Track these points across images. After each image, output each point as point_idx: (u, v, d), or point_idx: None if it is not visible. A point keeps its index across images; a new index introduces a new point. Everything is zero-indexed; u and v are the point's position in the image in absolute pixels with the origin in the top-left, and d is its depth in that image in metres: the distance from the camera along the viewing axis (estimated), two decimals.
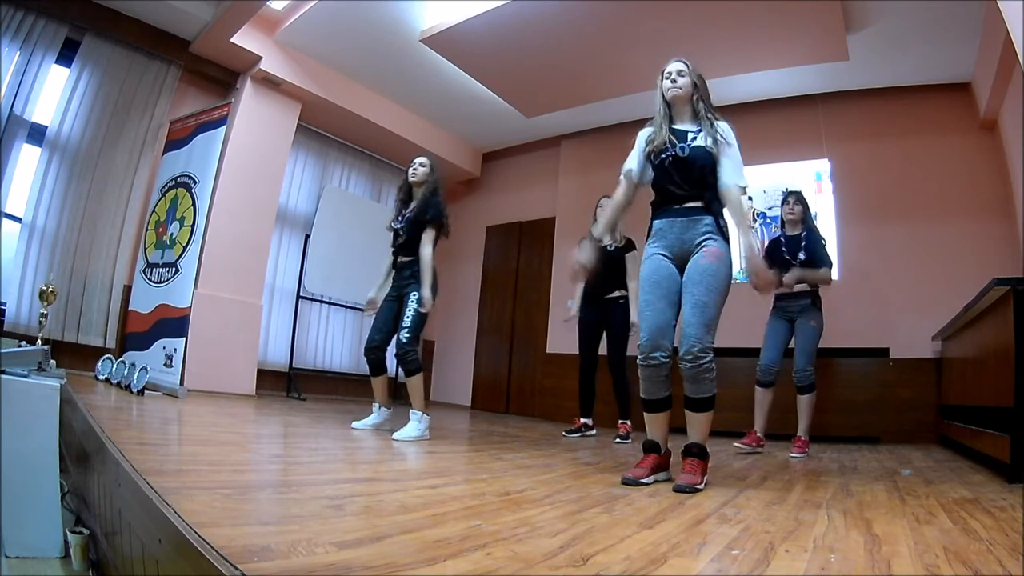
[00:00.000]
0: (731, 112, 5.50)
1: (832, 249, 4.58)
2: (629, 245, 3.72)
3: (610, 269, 3.65)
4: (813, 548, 1.12)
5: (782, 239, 3.38)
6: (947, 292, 3.68)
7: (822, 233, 3.51)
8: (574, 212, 5.92)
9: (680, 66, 2.06)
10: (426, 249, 2.90)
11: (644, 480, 1.86)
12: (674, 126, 2.03)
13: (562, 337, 5.63)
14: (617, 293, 3.72)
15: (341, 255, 5.47)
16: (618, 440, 3.52)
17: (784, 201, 3.43)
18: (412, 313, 2.86)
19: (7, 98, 3.73)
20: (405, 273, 2.96)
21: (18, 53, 3.80)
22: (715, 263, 1.87)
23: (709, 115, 2.01)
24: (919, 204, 4.34)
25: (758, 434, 3.25)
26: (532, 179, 6.46)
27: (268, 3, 4.20)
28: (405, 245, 2.97)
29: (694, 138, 1.97)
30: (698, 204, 1.95)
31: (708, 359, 1.81)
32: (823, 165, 4.76)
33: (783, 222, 3.43)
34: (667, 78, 2.05)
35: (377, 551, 0.92)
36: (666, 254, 1.97)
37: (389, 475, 1.84)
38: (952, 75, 4.24)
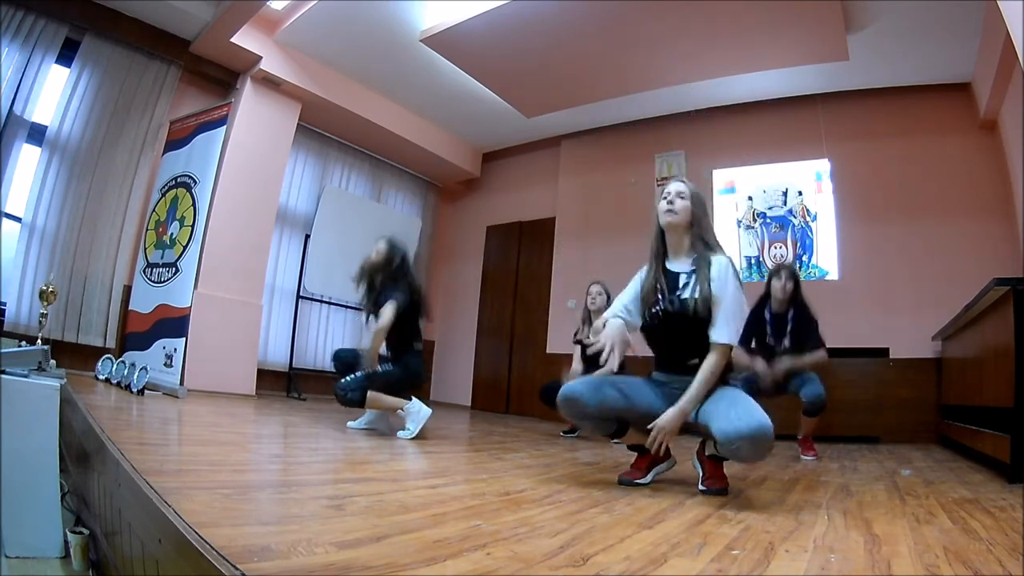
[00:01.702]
0: (731, 112, 5.54)
1: (832, 249, 4.61)
2: None
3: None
4: (813, 548, 1.12)
5: (767, 316, 3.12)
6: (947, 292, 3.69)
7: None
8: (574, 212, 5.94)
9: (680, 187, 1.84)
10: (376, 325, 2.84)
11: (640, 481, 1.85)
12: (668, 263, 1.85)
13: (562, 337, 5.63)
14: None
15: (341, 255, 5.45)
16: (616, 440, 3.50)
17: (775, 275, 3.12)
18: (383, 371, 2.84)
19: (7, 98, 3.73)
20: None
21: (18, 53, 3.80)
22: (727, 389, 1.76)
23: (706, 252, 1.79)
24: (919, 204, 4.34)
25: None
26: (532, 179, 6.47)
27: (268, 3, 4.20)
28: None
29: (685, 284, 1.78)
30: (693, 362, 1.76)
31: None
32: (823, 165, 4.76)
33: (769, 294, 3.13)
34: (664, 198, 1.83)
35: (377, 551, 0.92)
36: (660, 397, 1.81)
37: (389, 475, 1.84)
38: (952, 75, 4.24)
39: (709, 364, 1.73)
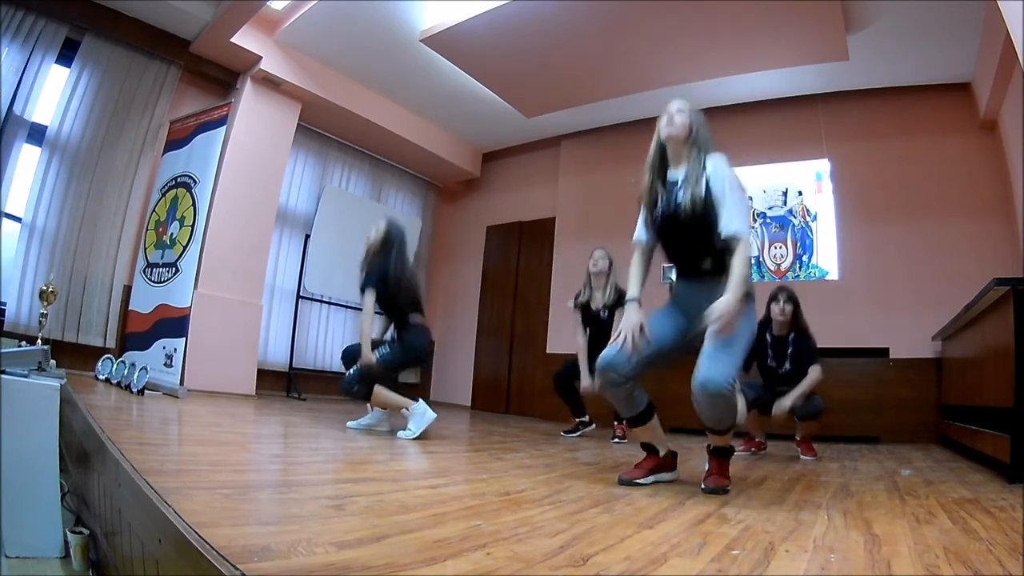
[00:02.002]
0: (731, 112, 5.54)
1: (832, 249, 4.61)
2: (620, 299, 3.55)
3: (603, 332, 3.55)
4: (813, 548, 1.12)
5: (768, 339, 3.09)
6: (947, 292, 3.69)
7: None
8: (574, 212, 5.93)
9: (680, 104, 1.89)
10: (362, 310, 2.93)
11: (640, 481, 1.85)
12: (669, 174, 1.88)
13: (562, 337, 5.63)
14: None
15: (341, 255, 5.45)
16: (616, 440, 3.52)
17: (774, 299, 3.06)
18: (380, 356, 2.87)
19: (7, 98, 3.73)
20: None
21: (18, 53, 3.80)
22: (736, 332, 1.70)
23: (701, 155, 1.81)
24: (919, 204, 4.34)
25: (757, 439, 3.24)
26: (532, 179, 6.46)
27: (268, 3, 4.20)
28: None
29: (680, 188, 1.80)
30: (709, 264, 1.78)
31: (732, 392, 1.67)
32: (823, 165, 4.77)
33: (770, 319, 3.08)
34: (664, 116, 1.89)
35: (377, 551, 0.92)
36: (682, 310, 1.85)
37: (389, 475, 1.84)
38: (952, 75, 4.24)
39: (737, 261, 1.69)
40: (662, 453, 1.94)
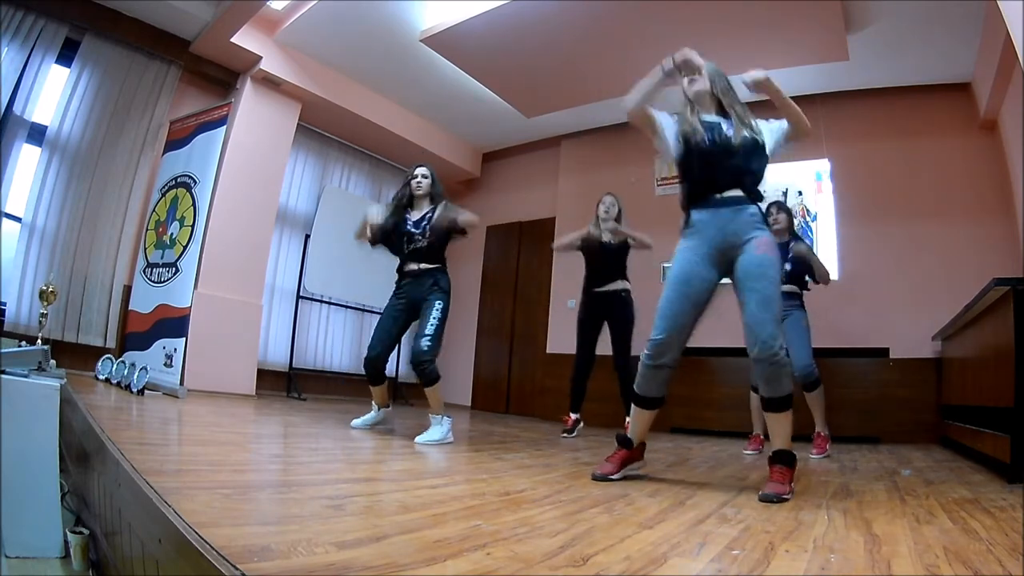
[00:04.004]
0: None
1: (832, 249, 4.60)
2: (626, 241, 3.68)
3: (609, 261, 3.66)
4: (813, 548, 1.12)
5: None
6: (947, 292, 3.68)
7: (810, 240, 3.48)
8: (574, 212, 5.92)
9: (699, 62, 1.98)
10: (469, 217, 2.94)
11: (613, 476, 1.87)
12: (703, 117, 1.92)
13: (562, 337, 5.63)
14: (618, 285, 3.66)
15: (341, 255, 5.46)
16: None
17: (767, 212, 3.33)
18: (437, 317, 2.74)
19: (7, 98, 3.73)
20: (427, 281, 2.84)
21: (18, 53, 3.79)
22: (771, 253, 1.78)
23: (737, 108, 1.91)
24: (919, 204, 4.34)
25: (761, 436, 3.25)
26: (532, 179, 6.46)
27: (268, 3, 4.20)
28: (426, 252, 2.86)
29: (728, 128, 1.87)
30: (739, 192, 1.83)
31: (785, 353, 1.71)
32: (823, 165, 4.76)
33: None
34: (685, 76, 1.97)
35: (377, 551, 0.92)
36: (706, 251, 1.84)
37: (389, 475, 1.84)
38: (952, 75, 4.24)
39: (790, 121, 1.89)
40: (635, 445, 1.96)
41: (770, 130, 1.91)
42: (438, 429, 2.68)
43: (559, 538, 1.09)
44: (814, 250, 3.34)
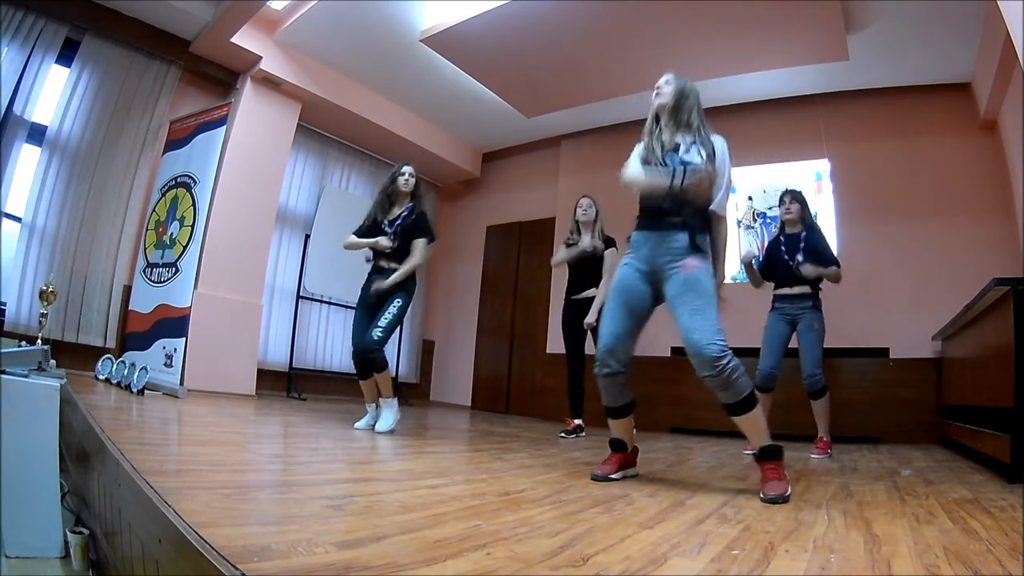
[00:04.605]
0: (731, 112, 5.54)
1: (832, 249, 4.59)
2: (608, 243, 3.73)
3: (588, 269, 3.70)
4: (813, 548, 1.12)
5: (781, 239, 3.32)
6: (947, 292, 3.68)
7: (823, 231, 3.46)
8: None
9: (667, 76, 2.03)
10: (418, 259, 3.05)
11: (613, 476, 1.90)
12: (663, 139, 1.97)
13: (562, 337, 5.62)
14: (594, 292, 3.69)
15: (341, 255, 5.42)
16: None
17: (780, 201, 3.37)
18: (392, 312, 2.93)
19: (7, 98, 3.73)
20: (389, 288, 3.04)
21: (18, 53, 3.79)
22: (694, 271, 1.81)
23: (701, 128, 1.95)
24: (919, 204, 4.34)
25: None
26: (532, 179, 6.46)
27: (268, 3, 4.20)
28: (396, 252, 3.05)
29: (686, 151, 1.90)
30: (676, 219, 1.86)
31: (727, 359, 1.69)
32: (823, 165, 4.76)
33: (782, 223, 3.37)
34: (655, 89, 2.03)
35: (377, 551, 0.92)
36: (640, 267, 1.91)
37: (389, 475, 1.84)
38: (952, 75, 4.24)
39: (722, 233, 1.92)
40: (629, 449, 1.99)
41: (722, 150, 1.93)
42: (392, 412, 2.90)
43: (559, 538, 1.09)
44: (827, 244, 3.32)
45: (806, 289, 3.20)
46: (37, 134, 3.95)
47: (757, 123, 5.00)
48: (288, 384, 5.21)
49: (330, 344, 5.72)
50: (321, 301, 5.67)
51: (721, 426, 4.50)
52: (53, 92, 4.03)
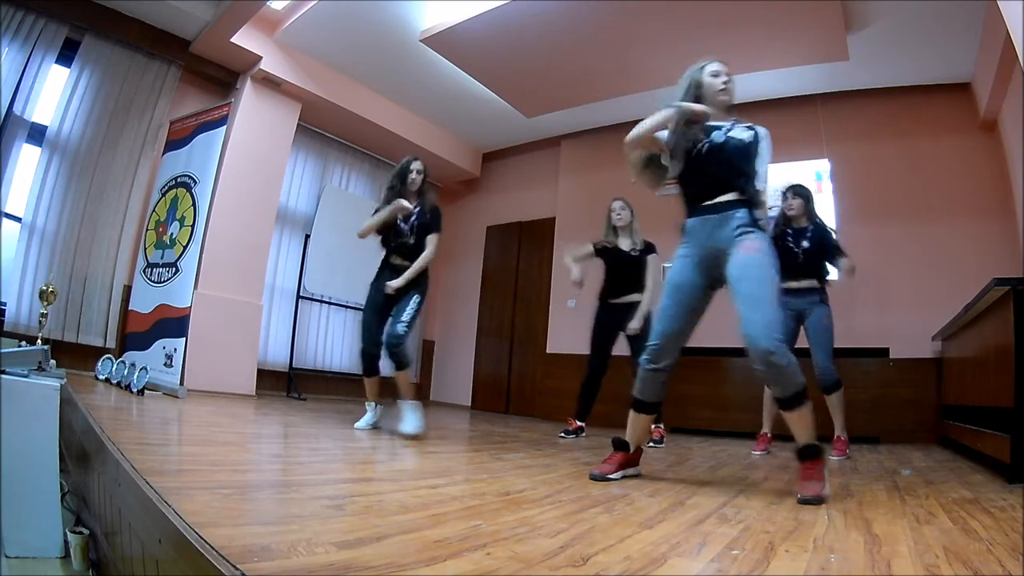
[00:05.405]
0: (731, 112, 5.47)
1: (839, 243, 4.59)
2: (649, 248, 3.60)
3: (629, 272, 3.57)
4: (813, 548, 1.12)
5: (788, 232, 3.23)
6: (947, 292, 3.68)
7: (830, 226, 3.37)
8: (574, 212, 5.93)
9: (728, 68, 2.00)
10: (431, 253, 3.02)
11: (612, 476, 1.90)
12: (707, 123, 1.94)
13: (562, 337, 5.64)
14: (635, 298, 3.56)
15: (341, 255, 5.46)
16: (651, 444, 3.39)
17: (783, 197, 3.27)
18: (413, 307, 2.90)
19: (7, 98, 3.73)
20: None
21: (18, 53, 3.79)
22: (756, 254, 1.76)
23: (744, 120, 1.98)
24: (919, 204, 4.34)
25: (768, 436, 3.24)
26: (532, 179, 6.47)
27: (268, 3, 4.20)
28: (414, 248, 3.01)
29: (730, 129, 1.90)
30: (731, 196, 1.83)
31: (779, 355, 1.65)
32: (823, 165, 4.76)
33: (786, 218, 3.26)
34: (714, 76, 1.96)
35: (377, 551, 0.92)
36: (695, 257, 1.87)
37: (389, 475, 1.84)
38: (952, 75, 4.24)
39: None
40: (632, 450, 1.98)
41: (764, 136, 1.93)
42: (417, 416, 2.79)
43: (559, 538, 1.09)
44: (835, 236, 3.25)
45: (813, 283, 3.14)
46: (37, 134, 3.95)
47: (757, 123, 4.99)
48: (288, 384, 5.21)
49: (330, 344, 5.72)
50: (321, 301, 5.67)
51: (721, 426, 4.54)
52: (53, 92, 4.03)
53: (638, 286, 3.56)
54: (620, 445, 1.98)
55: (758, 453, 3.17)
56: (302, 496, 1.32)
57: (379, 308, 2.99)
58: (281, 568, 0.80)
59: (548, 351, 5.74)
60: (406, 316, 2.87)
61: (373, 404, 3.06)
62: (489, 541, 1.03)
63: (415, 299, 2.94)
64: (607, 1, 3.75)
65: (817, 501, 1.61)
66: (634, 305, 3.55)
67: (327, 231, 5.43)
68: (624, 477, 1.95)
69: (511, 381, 6.16)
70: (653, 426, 3.51)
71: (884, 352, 4.26)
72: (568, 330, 5.57)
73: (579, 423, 3.71)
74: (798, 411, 1.72)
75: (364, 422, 3.02)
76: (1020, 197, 3.60)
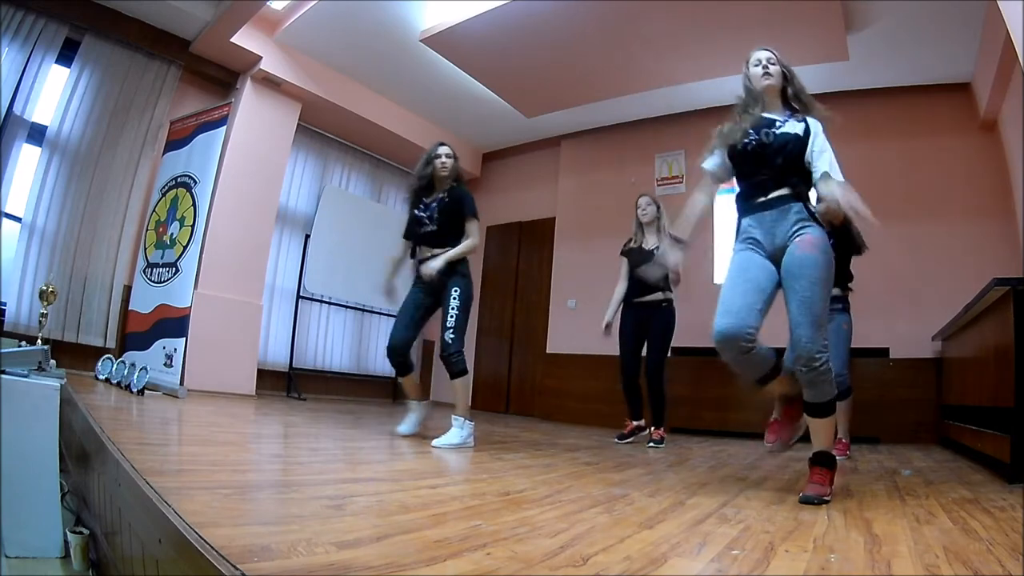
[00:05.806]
0: (731, 112, 5.46)
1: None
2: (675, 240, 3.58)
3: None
4: (813, 548, 1.12)
5: None
6: (947, 292, 3.68)
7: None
8: (574, 212, 5.93)
9: (770, 54, 1.95)
10: (473, 240, 2.79)
11: (793, 440, 1.93)
12: (763, 114, 1.89)
13: (562, 337, 5.64)
14: (659, 296, 3.53)
15: (341, 255, 5.47)
16: (651, 444, 3.37)
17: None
18: (456, 306, 2.67)
19: (7, 98, 3.73)
20: (441, 267, 2.74)
21: (18, 53, 3.79)
22: (812, 252, 1.70)
23: (803, 103, 1.91)
24: (919, 204, 4.34)
25: (844, 441, 3.23)
26: (532, 179, 6.46)
27: (268, 3, 4.20)
28: (438, 236, 2.77)
29: (782, 124, 1.85)
30: (784, 192, 1.78)
31: (824, 360, 1.64)
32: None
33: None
34: (756, 66, 1.94)
35: (377, 551, 0.92)
36: (759, 249, 1.79)
37: (389, 475, 1.84)
38: (952, 75, 4.24)
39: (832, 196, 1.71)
40: (795, 397, 1.84)
41: (822, 145, 1.86)
42: (457, 432, 2.58)
43: (559, 538, 1.09)
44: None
45: (835, 291, 3.08)
46: (37, 134, 3.95)
47: None
48: (288, 384, 5.21)
49: (330, 344, 5.72)
50: (321, 301, 5.67)
51: (721, 426, 4.53)
52: (53, 92, 4.03)
53: (663, 283, 3.47)
54: (788, 399, 1.89)
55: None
56: (302, 496, 1.32)
57: (408, 310, 2.82)
58: (281, 568, 0.80)
59: (548, 351, 5.74)
60: (450, 321, 2.65)
61: (414, 402, 2.89)
62: (489, 541, 1.03)
63: (455, 293, 2.68)
64: (607, 1, 3.75)
65: (818, 501, 1.61)
66: (659, 303, 3.51)
67: (327, 231, 5.43)
68: (625, 479, 1.92)
69: (511, 381, 6.16)
70: (653, 427, 3.51)
71: (884, 352, 4.26)
72: (568, 330, 5.57)
73: (635, 423, 3.64)
74: (823, 420, 1.72)
75: (407, 426, 2.84)
76: (1020, 197, 3.60)
